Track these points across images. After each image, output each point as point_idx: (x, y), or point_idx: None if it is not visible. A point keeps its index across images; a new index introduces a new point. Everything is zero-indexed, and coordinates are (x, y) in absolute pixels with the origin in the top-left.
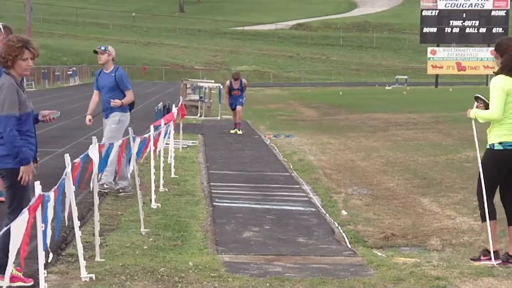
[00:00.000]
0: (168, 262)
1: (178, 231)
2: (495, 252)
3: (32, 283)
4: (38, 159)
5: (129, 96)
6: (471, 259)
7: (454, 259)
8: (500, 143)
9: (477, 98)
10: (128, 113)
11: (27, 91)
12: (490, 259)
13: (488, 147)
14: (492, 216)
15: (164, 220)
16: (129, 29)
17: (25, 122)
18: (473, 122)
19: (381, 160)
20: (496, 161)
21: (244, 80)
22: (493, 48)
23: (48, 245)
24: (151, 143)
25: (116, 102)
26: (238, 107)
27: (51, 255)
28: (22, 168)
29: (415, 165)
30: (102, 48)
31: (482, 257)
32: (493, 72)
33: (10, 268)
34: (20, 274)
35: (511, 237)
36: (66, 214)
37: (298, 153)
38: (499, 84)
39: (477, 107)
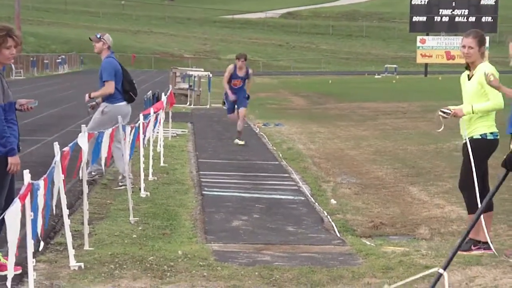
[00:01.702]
0: (157, 251)
1: (167, 220)
2: (486, 243)
3: (20, 271)
4: (20, 147)
5: (105, 88)
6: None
7: (442, 248)
8: (491, 133)
9: (443, 112)
10: (117, 104)
11: (8, 80)
12: (479, 248)
13: (478, 137)
14: (490, 207)
15: (153, 209)
16: (119, 17)
17: (8, 111)
18: (460, 120)
19: (370, 149)
20: (489, 150)
21: (250, 69)
22: (473, 38)
23: (40, 234)
24: (141, 132)
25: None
26: (242, 110)
27: (42, 243)
28: (10, 159)
29: (404, 154)
30: (98, 35)
31: (473, 247)
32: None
33: (12, 257)
34: (6, 262)
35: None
36: (54, 203)
37: (288, 141)
38: (495, 73)
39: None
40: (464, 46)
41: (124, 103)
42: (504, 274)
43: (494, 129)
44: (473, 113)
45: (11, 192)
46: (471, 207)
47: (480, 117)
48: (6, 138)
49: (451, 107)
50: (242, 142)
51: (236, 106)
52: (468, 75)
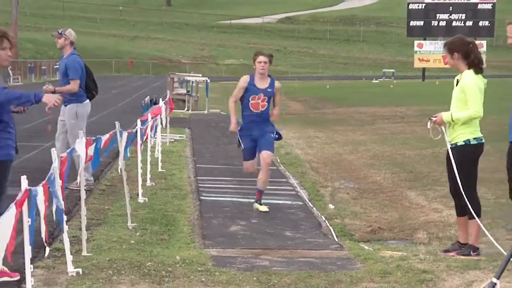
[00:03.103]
0: (155, 257)
1: (165, 225)
2: (476, 248)
3: (18, 277)
4: (18, 149)
5: (70, 86)
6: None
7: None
8: (474, 138)
9: (430, 120)
10: (86, 102)
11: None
12: (478, 254)
13: (462, 143)
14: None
15: (151, 214)
16: (116, 23)
17: (4, 114)
18: (443, 128)
19: (368, 154)
20: (474, 155)
21: (277, 83)
22: (444, 49)
23: (45, 239)
24: (138, 138)
25: (48, 87)
26: (266, 155)
27: (47, 249)
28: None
29: (402, 158)
30: (59, 31)
31: (472, 252)
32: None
33: None
34: (6, 269)
35: (460, 227)
36: (54, 208)
37: (285, 146)
38: (476, 83)
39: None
40: (445, 55)
41: (88, 101)
42: (502, 278)
43: (478, 134)
44: (452, 121)
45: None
46: (460, 211)
47: (463, 123)
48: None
49: (439, 113)
50: (265, 209)
51: (257, 148)
52: (457, 79)
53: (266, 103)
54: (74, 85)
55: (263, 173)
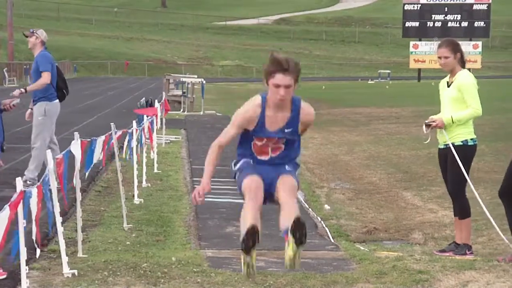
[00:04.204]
0: (151, 258)
1: (161, 227)
2: (470, 246)
3: (5, 276)
4: (5, 148)
5: (42, 79)
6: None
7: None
8: (471, 139)
9: (428, 125)
10: (56, 102)
11: (1, 88)
12: (472, 253)
13: (460, 143)
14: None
15: (147, 216)
16: (112, 24)
17: None
18: (443, 131)
19: (364, 154)
20: (472, 155)
21: (306, 105)
22: (445, 47)
23: (36, 241)
24: (134, 139)
25: (14, 94)
26: (285, 178)
27: (38, 250)
28: None
29: (397, 159)
30: (31, 30)
31: (467, 252)
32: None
33: None
34: None
35: (457, 227)
36: (58, 209)
37: None
38: (473, 82)
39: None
40: (440, 57)
41: (57, 101)
42: (497, 278)
43: (474, 135)
44: (453, 123)
45: None
46: (461, 211)
47: (460, 124)
48: None
49: (434, 117)
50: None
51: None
52: (447, 82)
53: (283, 145)
54: (46, 77)
55: (287, 204)
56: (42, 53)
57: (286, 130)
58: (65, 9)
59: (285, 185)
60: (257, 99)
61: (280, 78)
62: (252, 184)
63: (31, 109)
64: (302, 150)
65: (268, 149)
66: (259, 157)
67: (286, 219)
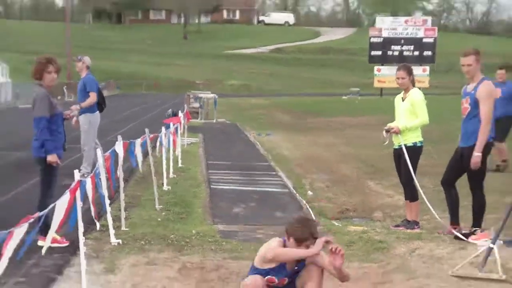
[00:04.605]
0: (177, 231)
1: (184, 207)
2: (417, 222)
3: (67, 244)
4: (66, 147)
5: (91, 98)
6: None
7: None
8: (419, 141)
9: (387, 131)
10: (97, 113)
11: (62, 101)
12: (418, 227)
13: (411, 144)
14: (417, 197)
15: (174, 199)
16: (145, 53)
17: (53, 122)
18: (398, 135)
19: (339, 153)
20: (419, 154)
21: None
22: (403, 71)
23: (95, 216)
24: (164, 141)
25: (72, 108)
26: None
27: (98, 224)
28: (48, 157)
29: (364, 156)
30: (78, 57)
31: (415, 227)
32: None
33: (51, 234)
34: (58, 237)
35: (407, 208)
36: (106, 194)
37: (276, 148)
38: (423, 98)
39: (393, 132)
40: (398, 78)
41: (98, 112)
42: (437, 246)
43: (421, 139)
44: (406, 129)
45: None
46: (410, 196)
47: (410, 130)
48: (45, 141)
49: (391, 124)
50: None
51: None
52: (402, 97)
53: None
54: (94, 97)
55: None
56: (89, 76)
57: (296, 268)
58: (111, 41)
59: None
60: (275, 243)
61: (306, 244)
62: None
63: (77, 117)
64: (292, 150)
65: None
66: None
67: None
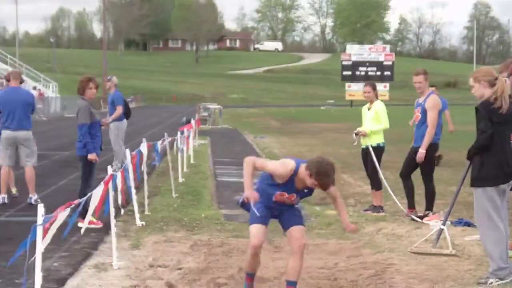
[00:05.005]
0: (189, 215)
1: (195, 196)
2: (382, 207)
3: (101, 225)
4: (102, 148)
5: (118, 111)
6: (372, 212)
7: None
8: (382, 142)
9: (356, 134)
10: (124, 121)
11: (98, 111)
12: (381, 211)
13: (375, 145)
14: (380, 187)
15: (187, 189)
16: (165, 74)
17: (93, 128)
18: (366, 138)
19: (318, 151)
20: (382, 152)
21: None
22: (369, 87)
23: (121, 204)
24: (179, 143)
25: (104, 120)
26: (297, 233)
27: (122, 210)
28: (88, 155)
29: (339, 154)
30: (108, 77)
31: (380, 210)
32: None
33: (88, 217)
34: (94, 220)
35: (374, 195)
36: (133, 185)
37: (268, 147)
38: (384, 109)
39: (361, 135)
40: (365, 92)
41: (125, 120)
42: (399, 226)
43: (383, 140)
44: (371, 132)
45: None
46: (376, 186)
47: (375, 132)
48: (87, 143)
49: (359, 129)
50: None
51: (280, 223)
52: (368, 107)
53: (298, 199)
54: (120, 110)
55: (296, 259)
56: (116, 93)
57: (306, 191)
58: (138, 64)
59: (298, 241)
60: (292, 164)
61: (324, 188)
62: (256, 241)
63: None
64: (281, 149)
65: (284, 200)
66: (277, 203)
67: (290, 275)
